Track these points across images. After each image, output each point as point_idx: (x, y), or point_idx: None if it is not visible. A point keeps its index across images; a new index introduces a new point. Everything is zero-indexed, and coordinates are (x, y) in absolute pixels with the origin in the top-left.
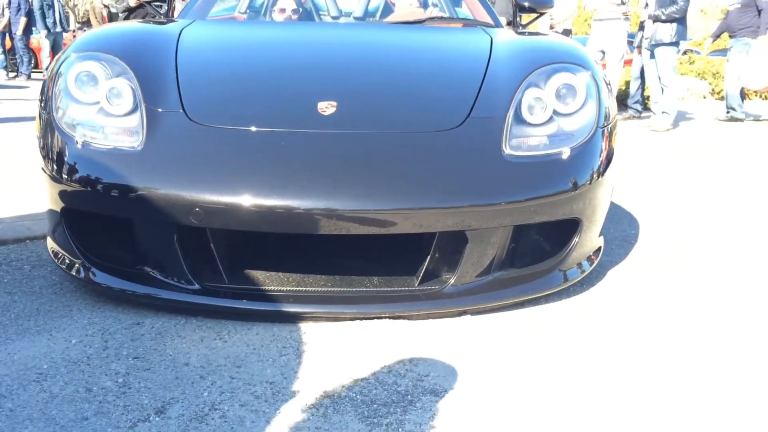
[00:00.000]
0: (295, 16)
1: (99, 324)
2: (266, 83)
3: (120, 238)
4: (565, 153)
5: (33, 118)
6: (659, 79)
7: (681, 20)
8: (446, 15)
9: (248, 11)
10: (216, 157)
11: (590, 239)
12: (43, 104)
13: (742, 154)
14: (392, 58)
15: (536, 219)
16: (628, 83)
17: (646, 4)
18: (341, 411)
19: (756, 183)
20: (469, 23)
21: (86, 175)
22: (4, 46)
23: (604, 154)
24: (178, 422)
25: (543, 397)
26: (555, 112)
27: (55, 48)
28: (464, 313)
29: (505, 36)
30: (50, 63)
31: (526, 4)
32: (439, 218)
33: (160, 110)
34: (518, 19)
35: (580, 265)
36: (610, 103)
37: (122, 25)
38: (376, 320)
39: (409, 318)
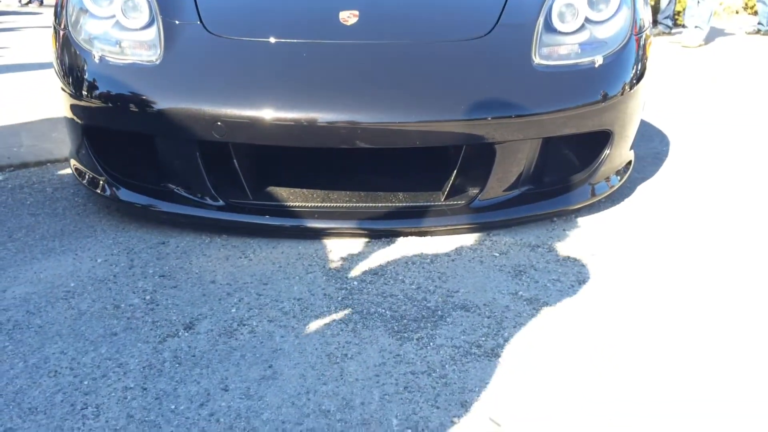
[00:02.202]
0: None
1: (124, 244)
2: None
3: (143, 156)
4: (598, 61)
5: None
6: None
7: None
8: None
9: None
10: (236, 70)
11: (620, 153)
12: (57, 19)
13: None
14: None
15: (567, 131)
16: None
17: None
18: (371, 326)
19: None
20: None
21: (105, 90)
22: None
23: (638, 64)
24: (207, 337)
25: (571, 315)
26: (587, 20)
27: None
28: (491, 227)
29: None
30: None
31: None
32: (465, 131)
33: (177, 23)
34: None
35: (608, 179)
36: (645, 13)
37: None
38: (402, 238)
39: (434, 234)
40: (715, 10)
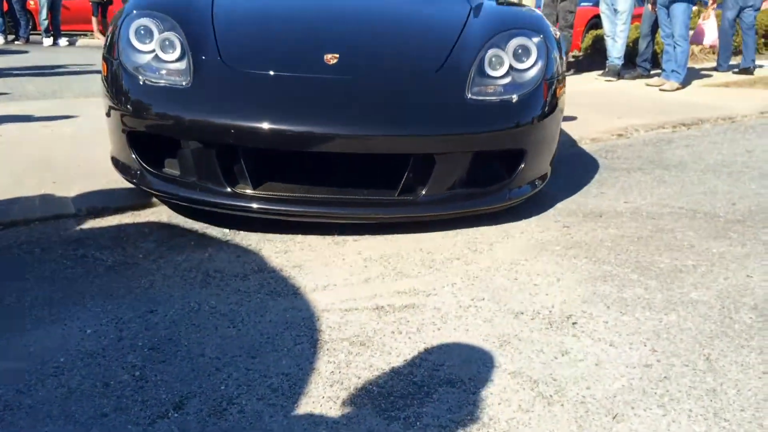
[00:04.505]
0: None
1: (112, 312)
2: (284, 36)
3: (172, 155)
4: (514, 98)
5: (39, 96)
6: (671, 36)
7: None
8: None
9: None
10: (245, 94)
11: (535, 168)
12: (109, 51)
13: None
14: (386, 18)
15: (489, 147)
16: (636, 40)
17: None
18: (358, 404)
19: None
20: None
21: (147, 105)
22: (1, 8)
23: (546, 102)
24: (197, 418)
25: (554, 390)
26: (511, 67)
27: (53, 9)
28: (432, 219)
29: (482, 5)
30: (47, 22)
31: None
32: (413, 143)
33: (203, 58)
34: None
35: (522, 187)
36: (558, 62)
37: None
38: (387, 306)
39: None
40: (691, 52)
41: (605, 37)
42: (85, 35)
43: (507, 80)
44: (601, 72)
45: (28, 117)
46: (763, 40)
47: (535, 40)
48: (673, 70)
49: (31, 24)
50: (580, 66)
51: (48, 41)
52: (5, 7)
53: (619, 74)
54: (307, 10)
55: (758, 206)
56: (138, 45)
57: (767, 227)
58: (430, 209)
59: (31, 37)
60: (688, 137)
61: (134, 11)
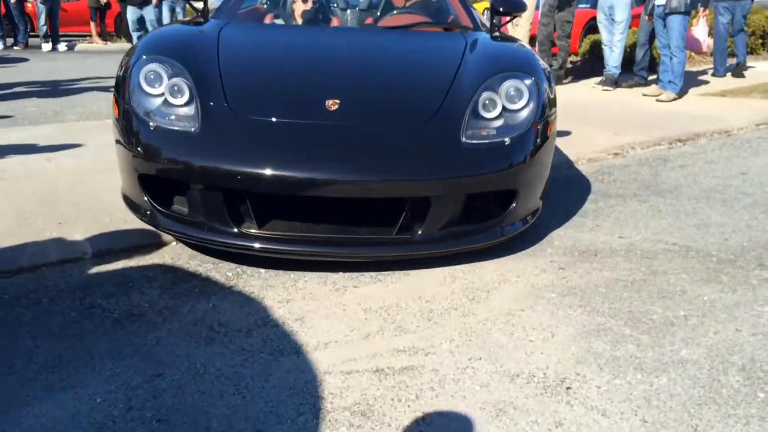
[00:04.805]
0: (311, 6)
1: (121, 376)
2: (288, 80)
3: (181, 196)
4: (507, 141)
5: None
6: (667, 47)
7: None
8: (432, 21)
9: (268, 2)
10: (250, 141)
11: (526, 205)
12: (119, 95)
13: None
14: (384, 64)
15: (483, 189)
16: (634, 45)
17: None
18: None
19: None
20: (452, 26)
21: (158, 150)
22: None
23: (537, 141)
24: None
25: None
26: (504, 109)
27: (52, 15)
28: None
29: (477, 42)
30: (46, 27)
31: (501, 9)
32: (410, 188)
33: (211, 104)
34: (495, 20)
35: (515, 224)
36: (549, 102)
37: (177, 30)
38: (387, 369)
39: (418, 369)
40: (688, 55)
41: (603, 46)
42: (84, 38)
43: (500, 122)
44: (598, 80)
45: (31, 147)
46: (760, 40)
47: (527, 82)
48: (669, 81)
49: (29, 27)
50: (577, 72)
51: (47, 46)
52: (2, 10)
53: (616, 83)
54: (309, 51)
55: (750, 242)
56: (148, 89)
57: (757, 268)
58: (427, 248)
59: (30, 40)
60: (683, 155)
61: (144, 56)
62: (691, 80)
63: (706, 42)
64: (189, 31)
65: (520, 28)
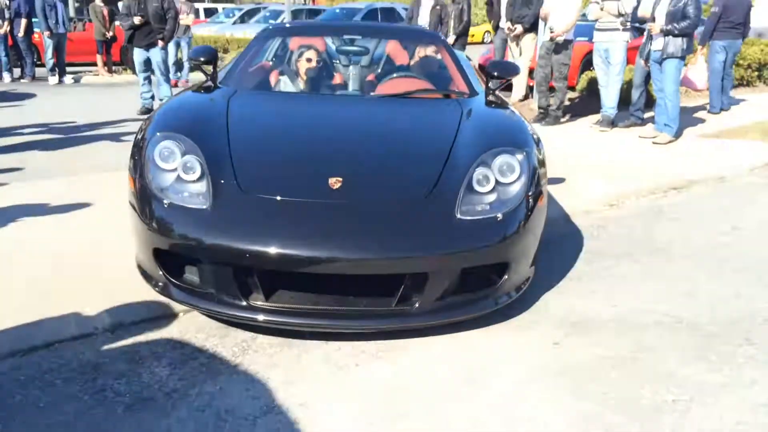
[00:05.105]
0: (315, 65)
1: None
2: (293, 161)
3: (193, 269)
4: (499, 216)
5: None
6: (663, 91)
7: (690, 34)
8: (430, 87)
9: (274, 59)
10: (258, 220)
11: (518, 275)
12: (135, 170)
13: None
14: (384, 139)
15: (476, 263)
16: (630, 82)
17: (653, 18)
18: None
19: None
20: (449, 92)
21: (171, 226)
22: (6, 46)
23: (529, 214)
24: None
25: None
26: (497, 182)
27: (59, 48)
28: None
29: (472, 112)
30: (53, 61)
31: (495, 73)
32: (408, 265)
33: (222, 182)
34: (490, 84)
35: (509, 294)
36: (539, 174)
37: (189, 103)
38: None
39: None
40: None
41: (599, 87)
42: (90, 70)
43: (493, 197)
44: (595, 120)
45: (41, 207)
46: (756, 73)
47: (519, 157)
48: (665, 124)
49: (35, 57)
50: (575, 109)
51: (53, 79)
52: (10, 42)
53: (613, 123)
54: (313, 126)
55: (738, 312)
56: (163, 165)
57: (744, 344)
58: (424, 319)
59: (36, 70)
60: (678, 205)
61: (157, 133)
62: (686, 118)
63: (704, 81)
64: (200, 103)
65: (521, 59)
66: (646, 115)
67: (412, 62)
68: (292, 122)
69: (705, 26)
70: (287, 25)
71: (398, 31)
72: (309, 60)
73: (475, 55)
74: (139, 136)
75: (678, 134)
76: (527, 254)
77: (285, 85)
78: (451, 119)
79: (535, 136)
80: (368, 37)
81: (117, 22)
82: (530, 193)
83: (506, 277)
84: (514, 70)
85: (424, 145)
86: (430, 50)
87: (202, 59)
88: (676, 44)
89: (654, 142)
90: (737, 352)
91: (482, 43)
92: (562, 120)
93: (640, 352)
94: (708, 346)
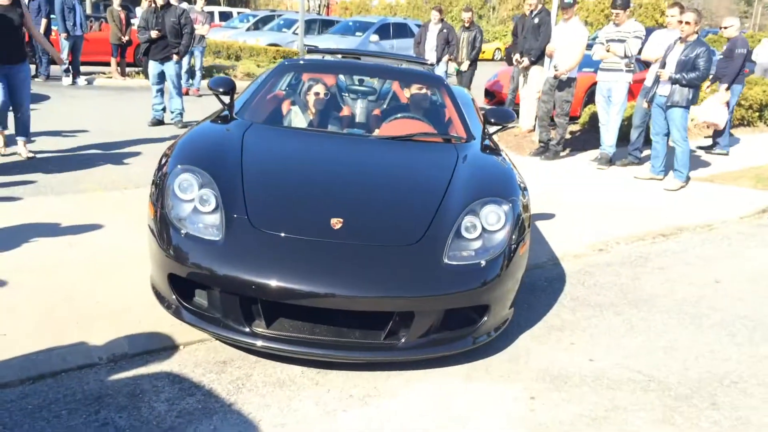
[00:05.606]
0: (323, 97)
1: None
2: (301, 196)
3: (202, 293)
4: (483, 263)
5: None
6: (659, 135)
7: (697, 86)
8: (430, 130)
9: (287, 88)
10: (265, 255)
11: (497, 316)
12: (156, 200)
13: None
14: (384, 183)
15: (459, 305)
16: (630, 118)
17: (664, 64)
18: None
19: None
20: (447, 136)
21: (186, 254)
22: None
23: (510, 260)
24: None
25: None
26: (484, 230)
27: (74, 50)
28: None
29: (467, 158)
30: (68, 62)
31: (493, 120)
32: (398, 304)
33: (235, 216)
34: (486, 130)
35: (489, 333)
36: (523, 218)
37: (208, 136)
38: None
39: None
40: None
41: (600, 125)
42: (103, 72)
43: (479, 244)
44: (594, 157)
45: (53, 228)
46: (757, 113)
47: (505, 207)
48: (676, 169)
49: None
50: (576, 143)
51: (67, 80)
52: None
53: (611, 161)
54: (320, 167)
55: (709, 373)
56: (181, 196)
57: (710, 408)
58: (409, 353)
59: (51, 68)
60: (664, 254)
61: (178, 166)
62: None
63: (724, 118)
64: (218, 137)
65: (529, 89)
66: (644, 154)
67: (414, 93)
68: (300, 162)
69: (730, 68)
70: (301, 62)
71: (405, 73)
72: (317, 94)
73: (484, 76)
74: (162, 166)
75: (667, 172)
76: (507, 297)
77: (296, 114)
78: (447, 165)
79: (522, 185)
80: (377, 77)
81: (134, 25)
82: (513, 240)
83: (486, 318)
84: (510, 117)
85: (420, 191)
86: (433, 92)
87: (221, 90)
88: (683, 93)
89: (665, 189)
90: (702, 416)
91: (492, 59)
92: (562, 154)
93: (612, 411)
94: (675, 408)
